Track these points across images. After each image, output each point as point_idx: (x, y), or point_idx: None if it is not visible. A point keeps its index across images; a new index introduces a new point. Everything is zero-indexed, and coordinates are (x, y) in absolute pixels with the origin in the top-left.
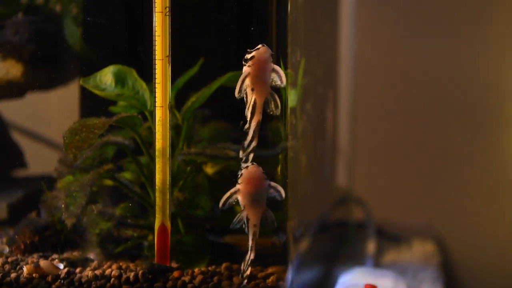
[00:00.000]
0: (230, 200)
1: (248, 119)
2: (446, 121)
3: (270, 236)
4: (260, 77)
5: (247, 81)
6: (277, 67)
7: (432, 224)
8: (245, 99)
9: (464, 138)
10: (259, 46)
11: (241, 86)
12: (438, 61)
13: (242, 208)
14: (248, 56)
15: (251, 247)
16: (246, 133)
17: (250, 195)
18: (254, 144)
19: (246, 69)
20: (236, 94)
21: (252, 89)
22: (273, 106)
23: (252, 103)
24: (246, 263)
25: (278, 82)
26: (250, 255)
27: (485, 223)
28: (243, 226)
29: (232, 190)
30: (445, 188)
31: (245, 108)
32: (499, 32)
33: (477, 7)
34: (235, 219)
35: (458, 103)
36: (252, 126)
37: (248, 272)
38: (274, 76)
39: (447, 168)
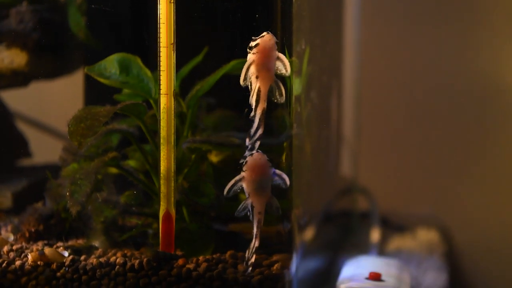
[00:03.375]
0: (235, 188)
1: (253, 107)
2: (451, 110)
3: (275, 224)
4: (264, 65)
5: (252, 69)
6: (281, 55)
7: (436, 213)
8: (249, 87)
9: (468, 127)
10: (264, 33)
11: (246, 74)
12: (443, 51)
13: (247, 196)
14: (253, 43)
15: (256, 234)
16: (251, 121)
17: (255, 182)
18: (260, 132)
19: (250, 56)
20: (241, 82)
21: (257, 77)
22: (277, 94)
23: (256, 91)
24: (250, 251)
25: (283, 71)
26: (255, 243)
27: (489, 212)
28: (248, 213)
29: (237, 177)
30: (449, 177)
31: (250, 96)
32: (504, 26)
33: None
34: (239, 207)
35: (462, 93)
36: (257, 114)
37: (252, 259)
38: (279, 64)
39: (451, 157)
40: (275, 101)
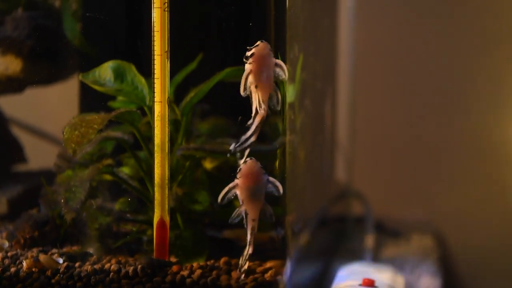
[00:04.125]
0: (229, 195)
1: (253, 114)
2: (445, 116)
3: (268, 231)
4: (262, 73)
5: (250, 78)
6: (278, 61)
7: (431, 219)
8: (250, 96)
9: (464, 133)
10: (258, 42)
11: (245, 84)
12: (438, 57)
13: (241, 203)
14: (248, 53)
15: (249, 241)
16: (247, 128)
17: (249, 189)
18: (252, 139)
19: (247, 66)
20: (242, 92)
21: (256, 86)
22: (275, 101)
23: (257, 100)
24: (244, 258)
25: (283, 76)
26: (248, 250)
27: (483, 218)
28: (242, 220)
29: (231, 184)
30: (444, 183)
31: (245, 103)
32: (499, 27)
33: (478, 0)
34: (233, 214)
35: (457, 98)
36: (255, 122)
37: (246, 266)
38: (278, 70)
39: (446, 163)
40: (272, 107)
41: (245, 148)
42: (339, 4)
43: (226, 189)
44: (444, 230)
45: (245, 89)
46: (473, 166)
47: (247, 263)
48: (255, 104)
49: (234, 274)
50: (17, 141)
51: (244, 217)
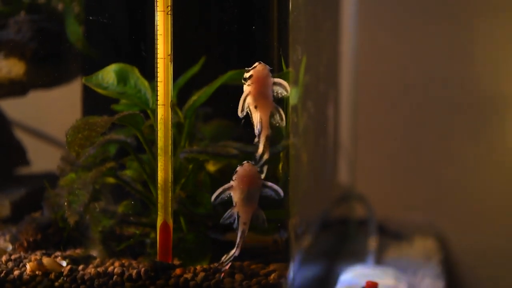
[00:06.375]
0: (223, 196)
1: (257, 134)
2: (448, 118)
3: (272, 233)
4: (262, 94)
5: (249, 100)
6: (278, 80)
7: (433, 221)
8: (250, 116)
9: (466, 135)
10: (256, 64)
11: (243, 105)
12: (439, 59)
13: (234, 205)
14: (247, 75)
15: (238, 244)
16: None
17: (242, 192)
18: (266, 157)
19: (246, 88)
20: (239, 113)
21: (256, 107)
22: (278, 118)
23: (259, 120)
24: (228, 258)
25: (284, 93)
26: (235, 252)
27: (486, 220)
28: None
29: (226, 185)
30: (446, 185)
31: (254, 126)
32: (500, 29)
33: (478, 4)
34: (226, 214)
35: (459, 100)
36: (261, 141)
37: (227, 267)
38: (278, 88)
39: (449, 165)
40: (277, 125)
41: (262, 165)
42: (342, 7)
43: (221, 189)
44: (446, 232)
45: (242, 110)
46: (476, 168)
47: (229, 264)
48: (256, 123)
49: (238, 277)
50: (20, 144)
51: (236, 219)
